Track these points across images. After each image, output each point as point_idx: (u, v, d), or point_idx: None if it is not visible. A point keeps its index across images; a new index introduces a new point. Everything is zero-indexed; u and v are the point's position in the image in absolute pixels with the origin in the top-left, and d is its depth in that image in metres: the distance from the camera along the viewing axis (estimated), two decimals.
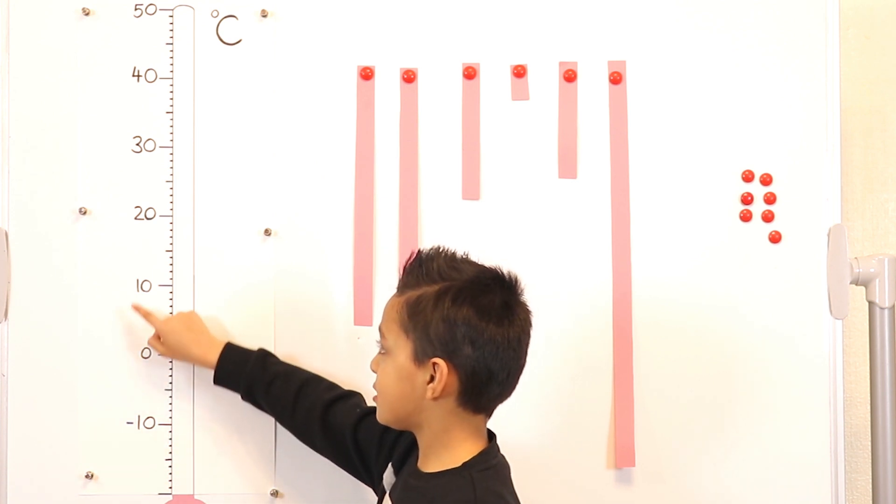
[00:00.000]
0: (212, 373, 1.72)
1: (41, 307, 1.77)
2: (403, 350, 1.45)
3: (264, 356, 1.71)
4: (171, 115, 1.78)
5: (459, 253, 1.50)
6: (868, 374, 1.79)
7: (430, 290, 1.45)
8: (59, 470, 1.77)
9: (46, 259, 1.77)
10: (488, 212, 1.78)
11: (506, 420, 1.77)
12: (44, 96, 1.78)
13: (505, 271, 1.49)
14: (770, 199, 1.77)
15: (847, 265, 1.75)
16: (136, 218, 1.78)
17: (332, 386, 1.69)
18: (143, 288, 1.78)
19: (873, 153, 2.13)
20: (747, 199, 1.77)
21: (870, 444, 1.79)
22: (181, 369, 1.77)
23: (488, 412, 1.50)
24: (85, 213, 1.78)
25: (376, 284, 1.77)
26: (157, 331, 1.74)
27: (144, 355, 1.78)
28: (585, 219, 1.78)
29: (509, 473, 1.52)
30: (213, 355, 1.71)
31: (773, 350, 1.77)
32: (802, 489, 1.76)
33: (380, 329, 1.49)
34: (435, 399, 1.44)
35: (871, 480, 1.79)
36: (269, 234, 1.77)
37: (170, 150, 1.78)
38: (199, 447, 1.77)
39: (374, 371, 1.50)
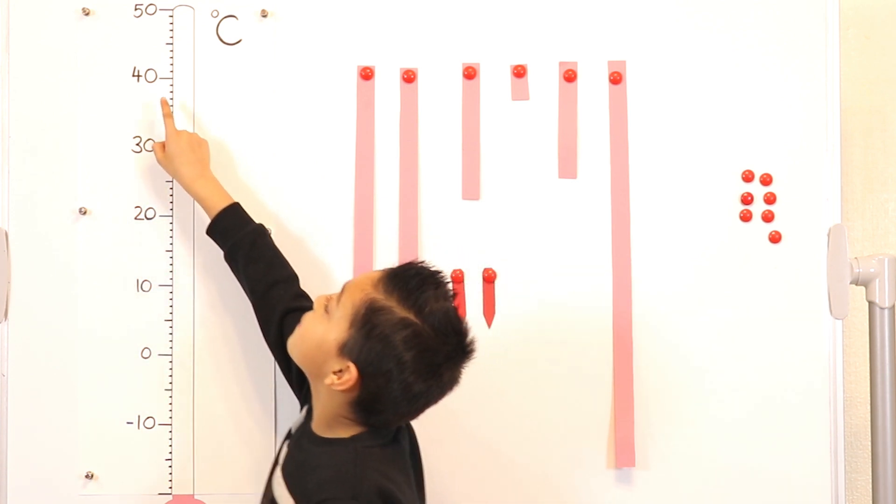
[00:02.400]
0: (209, 373, 1.72)
1: (41, 307, 1.77)
2: (338, 331, 1.46)
3: (261, 234, 1.69)
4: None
5: (450, 292, 1.49)
6: (868, 374, 1.79)
7: (398, 311, 1.44)
8: (59, 470, 1.77)
9: (46, 259, 1.77)
10: (488, 212, 1.78)
11: (506, 420, 1.78)
12: (44, 96, 1.78)
13: (470, 336, 1.48)
14: (770, 199, 1.77)
15: (847, 265, 1.75)
16: (136, 218, 1.78)
17: (301, 295, 1.67)
18: (143, 288, 1.78)
19: (873, 153, 2.13)
20: (747, 199, 1.77)
21: (870, 444, 1.79)
22: (181, 369, 1.77)
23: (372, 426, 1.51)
24: (85, 213, 1.78)
25: None
26: (166, 135, 1.73)
27: (144, 355, 1.78)
28: (585, 219, 1.78)
29: (402, 458, 1.52)
30: (205, 190, 1.70)
31: (774, 350, 1.77)
32: (802, 489, 1.76)
33: (342, 290, 1.49)
34: (330, 387, 1.46)
35: (871, 480, 1.79)
36: (270, 234, 1.77)
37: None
38: (199, 447, 1.77)
39: (313, 308, 1.51)
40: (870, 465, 1.80)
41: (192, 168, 1.71)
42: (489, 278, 1.77)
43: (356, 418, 1.48)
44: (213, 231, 1.69)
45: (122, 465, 1.77)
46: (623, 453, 1.76)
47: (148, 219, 1.78)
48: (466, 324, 1.49)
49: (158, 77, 1.78)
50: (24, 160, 1.78)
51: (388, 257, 1.77)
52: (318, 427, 1.52)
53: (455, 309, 1.48)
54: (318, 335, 1.48)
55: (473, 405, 1.76)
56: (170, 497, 1.77)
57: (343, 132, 1.78)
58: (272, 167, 1.78)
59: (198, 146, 1.73)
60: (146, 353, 1.78)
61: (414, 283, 1.46)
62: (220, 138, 1.78)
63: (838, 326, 1.76)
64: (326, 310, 1.49)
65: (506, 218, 1.78)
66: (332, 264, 1.77)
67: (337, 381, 1.45)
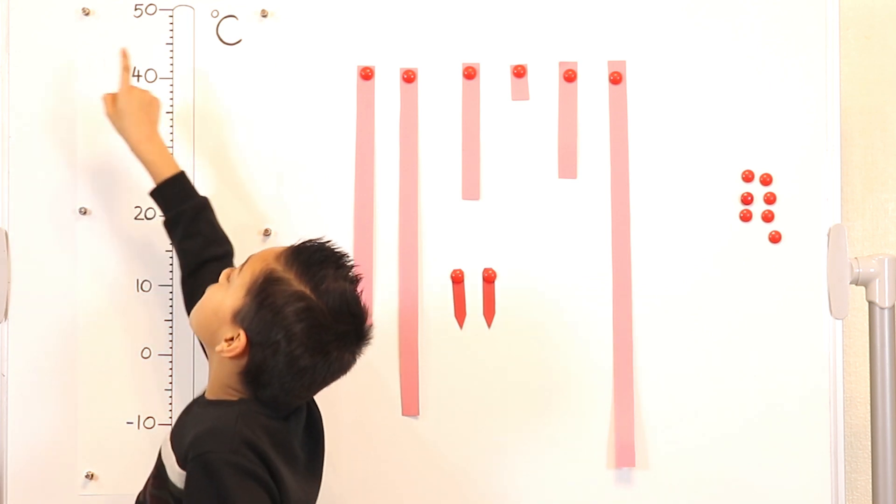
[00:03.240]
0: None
1: (41, 307, 1.77)
2: (233, 298, 1.46)
3: (203, 207, 1.67)
4: (171, 114, 1.78)
5: (352, 274, 1.48)
6: (868, 374, 1.79)
7: (294, 285, 1.45)
8: (59, 470, 1.77)
9: (46, 259, 1.77)
10: (488, 212, 1.78)
11: (506, 420, 1.77)
12: (44, 96, 1.78)
13: (368, 322, 1.48)
14: (770, 199, 1.77)
15: (847, 265, 1.75)
16: (136, 218, 1.78)
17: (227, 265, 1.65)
18: (143, 288, 1.78)
19: (873, 153, 2.13)
20: (747, 200, 1.77)
21: (870, 444, 1.79)
22: (181, 369, 1.77)
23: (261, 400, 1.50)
24: (85, 213, 1.78)
25: (376, 284, 1.77)
26: (120, 89, 1.69)
27: (144, 355, 1.78)
28: (585, 219, 1.78)
29: (285, 437, 1.50)
30: (152, 154, 1.66)
31: (773, 350, 1.76)
32: (802, 489, 1.76)
33: (247, 260, 1.49)
34: (220, 355, 1.47)
35: (871, 480, 1.79)
36: (269, 235, 1.77)
37: (170, 150, 1.78)
38: None
39: (216, 281, 1.51)
40: (870, 465, 1.80)
41: (141, 128, 1.68)
42: (489, 278, 1.77)
43: (244, 390, 1.48)
44: (156, 195, 1.67)
45: (122, 465, 1.77)
46: (623, 453, 1.76)
47: (148, 219, 1.78)
48: (365, 309, 1.48)
49: (158, 77, 1.78)
50: (24, 160, 1.78)
51: (388, 257, 1.77)
52: (209, 394, 1.53)
53: (354, 291, 1.48)
54: (215, 302, 1.48)
55: (473, 405, 1.76)
56: None
57: (343, 132, 1.78)
58: (272, 167, 1.78)
59: (149, 105, 1.70)
60: (146, 353, 1.78)
61: (315, 258, 1.46)
62: (219, 138, 1.78)
63: (838, 326, 1.76)
64: (228, 279, 1.49)
65: (506, 218, 1.78)
66: None
67: (227, 347, 1.45)
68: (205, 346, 1.55)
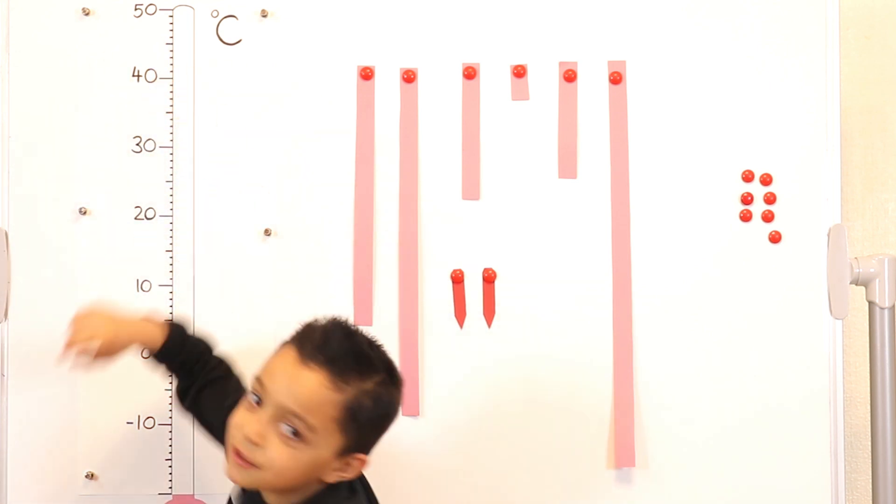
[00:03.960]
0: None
1: (41, 307, 1.77)
2: (330, 445, 1.41)
3: (200, 352, 1.60)
4: (171, 115, 1.78)
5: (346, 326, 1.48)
6: (868, 374, 1.79)
7: (367, 385, 1.41)
8: (59, 470, 1.77)
9: (46, 259, 1.77)
10: (488, 212, 1.78)
11: (506, 420, 1.77)
12: (44, 96, 1.78)
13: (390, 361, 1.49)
14: (770, 199, 1.77)
15: (847, 265, 1.75)
16: (136, 218, 1.78)
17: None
18: (143, 288, 1.78)
19: (873, 153, 2.13)
20: (747, 200, 1.77)
21: (870, 444, 1.79)
22: None
23: None
24: (85, 213, 1.78)
25: (376, 284, 1.77)
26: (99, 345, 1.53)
27: (144, 355, 1.77)
28: (585, 219, 1.78)
29: None
30: (145, 330, 1.57)
31: (773, 350, 1.76)
32: (802, 489, 1.76)
33: (296, 417, 1.38)
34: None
35: (871, 480, 1.79)
36: (269, 234, 1.77)
37: (170, 150, 1.78)
38: (199, 447, 1.76)
39: (255, 443, 1.39)
40: (870, 465, 1.80)
41: (125, 327, 1.56)
42: (489, 278, 1.77)
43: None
44: (159, 357, 1.59)
45: (122, 465, 1.77)
46: (623, 453, 1.76)
47: (148, 219, 1.78)
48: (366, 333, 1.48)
49: (158, 77, 1.78)
50: (24, 160, 1.78)
51: (388, 257, 1.77)
52: (274, 496, 1.46)
53: (357, 334, 1.46)
54: (305, 461, 1.40)
55: (473, 405, 1.76)
56: (170, 497, 1.77)
57: (343, 132, 1.78)
58: (272, 167, 1.78)
59: (103, 322, 1.56)
60: (146, 353, 1.77)
61: (365, 356, 1.43)
62: (219, 138, 1.78)
63: (838, 326, 1.76)
64: (284, 439, 1.39)
65: (506, 218, 1.78)
66: (331, 265, 1.77)
67: (345, 474, 1.44)
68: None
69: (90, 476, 1.77)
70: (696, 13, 1.78)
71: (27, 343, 1.77)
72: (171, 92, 1.79)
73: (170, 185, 1.78)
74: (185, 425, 1.76)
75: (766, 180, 1.77)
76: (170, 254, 1.78)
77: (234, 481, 1.44)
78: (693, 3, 1.78)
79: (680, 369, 1.77)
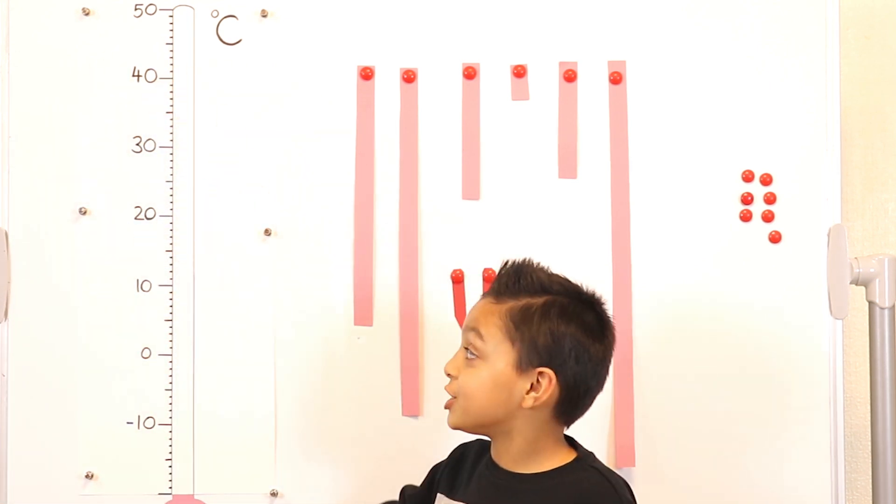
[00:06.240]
0: (209, 373, 1.72)
1: (41, 307, 1.77)
2: (505, 357, 1.44)
3: None
4: (171, 115, 1.78)
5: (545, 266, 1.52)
6: (868, 374, 1.79)
7: (534, 301, 1.45)
8: (59, 470, 1.77)
9: (46, 259, 1.77)
10: (488, 212, 1.78)
11: None
12: (44, 96, 1.78)
13: (592, 289, 1.51)
14: (770, 199, 1.77)
15: (847, 265, 1.75)
16: (136, 218, 1.78)
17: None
18: (143, 288, 1.78)
19: (873, 153, 2.13)
20: (747, 200, 1.77)
21: (870, 444, 1.79)
22: (181, 369, 1.77)
23: (570, 425, 1.50)
24: (85, 213, 1.78)
25: (376, 284, 1.77)
26: None
27: (144, 355, 1.78)
28: (585, 219, 1.78)
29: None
30: None
31: (773, 350, 1.76)
32: (802, 489, 1.76)
33: (472, 332, 1.46)
34: (532, 408, 1.44)
35: (871, 480, 1.79)
36: (269, 234, 1.77)
37: (170, 150, 1.78)
38: (199, 447, 1.77)
39: (450, 374, 1.47)
40: (870, 465, 1.80)
41: None
42: (489, 278, 1.77)
43: (562, 420, 1.47)
44: None
45: (122, 465, 1.77)
46: (623, 453, 1.76)
47: (148, 219, 1.78)
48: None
49: (158, 77, 1.79)
50: (24, 160, 1.78)
51: (388, 257, 1.77)
52: (519, 465, 1.47)
53: (527, 263, 1.51)
54: (487, 378, 1.44)
55: None
56: (170, 497, 1.77)
57: (343, 132, 1.78)
58: (272, 167, 1.78)
59: None
60: (146, 353, 1.78)
61: (523, 275, 1.48)
62: (220, 138, 1.78)
63: (838, 326, 1.76)
64: (469, 358, 1.46)
65: (506, 218, 1.78)
66: (332, 264, 1.77)
67: (540, 393, 1.43)
68: (493, 425, 1.47)
69: (90, 476, 1.77)
70: (696, 13, 1.78)
71: (27, 343, 1.77)
72: (171, 92, 1.79)
73: (170, 185, 1.78)
74: (185, 425, 1.77)
75: (767, 180, 1.77)
76: (170, 254, 1.78)
77: (450, 426, 1.49)
78: (693, 3, 1.78)
79: (680, 369, 1.77)
